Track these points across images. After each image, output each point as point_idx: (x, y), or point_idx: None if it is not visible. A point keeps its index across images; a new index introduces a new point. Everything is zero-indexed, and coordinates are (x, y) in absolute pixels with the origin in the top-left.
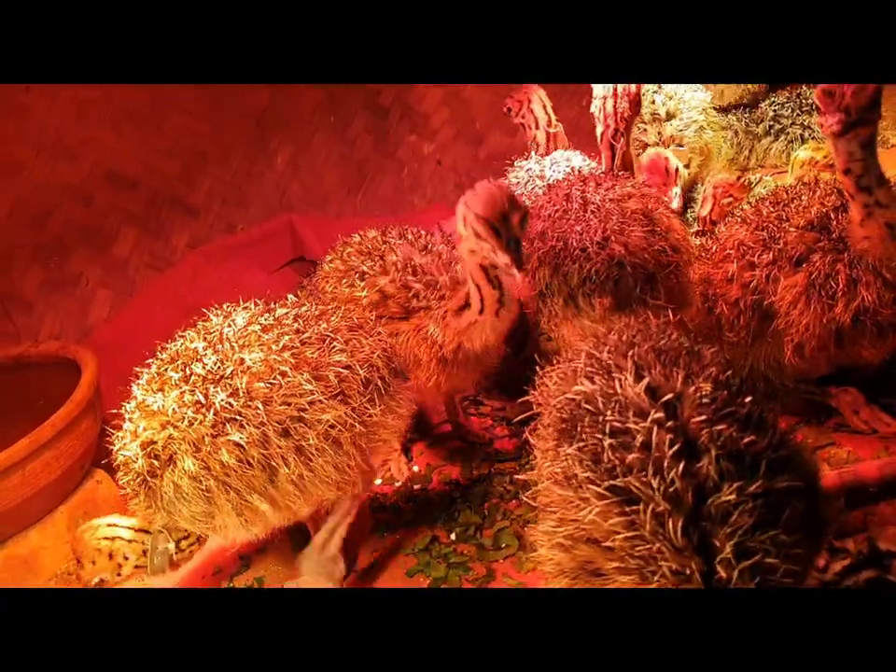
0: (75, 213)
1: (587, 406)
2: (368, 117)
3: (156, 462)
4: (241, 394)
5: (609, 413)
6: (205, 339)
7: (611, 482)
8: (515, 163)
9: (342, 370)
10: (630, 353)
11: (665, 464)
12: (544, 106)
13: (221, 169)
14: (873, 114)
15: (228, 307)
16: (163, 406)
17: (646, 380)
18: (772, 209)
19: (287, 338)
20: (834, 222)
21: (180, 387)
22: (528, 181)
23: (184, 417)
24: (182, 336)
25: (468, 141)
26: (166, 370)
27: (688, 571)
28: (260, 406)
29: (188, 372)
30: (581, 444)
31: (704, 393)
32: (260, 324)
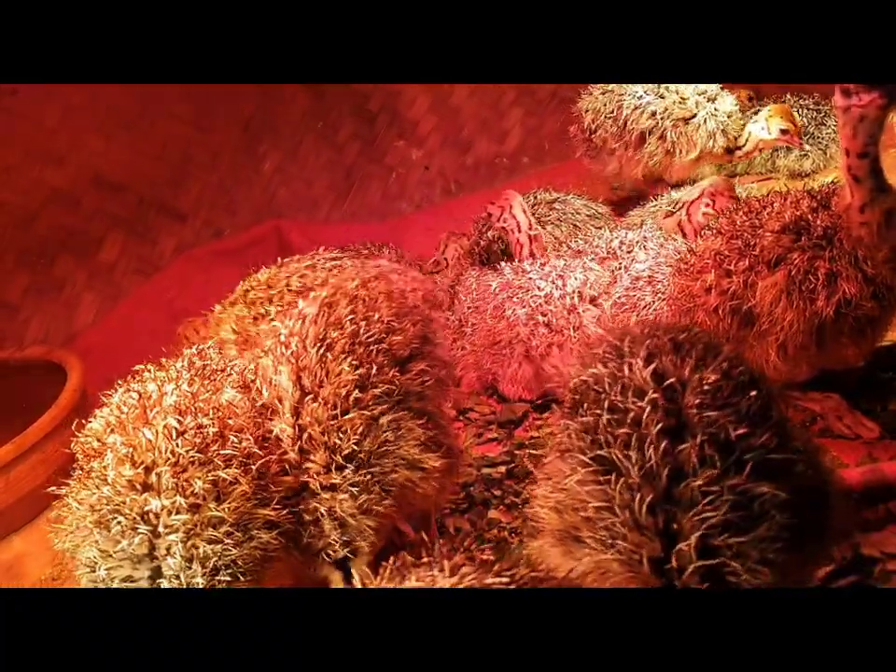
0: (61, 217)
1: (595, 387)
2: (356, 122)
3: None
4: None
5: (612, 393)
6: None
7: (597, 452)
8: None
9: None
10: (647, 342)
11: (648, 440)
12: (524, 210)
13: (209, 174)
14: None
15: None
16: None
17: (653, 365)
18: (745, 218)
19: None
20: (817, 221)
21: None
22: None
23: None
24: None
25: (455, 147)
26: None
27: (642, 555)
28: None
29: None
30: (582, 419)
31: (708, 381)
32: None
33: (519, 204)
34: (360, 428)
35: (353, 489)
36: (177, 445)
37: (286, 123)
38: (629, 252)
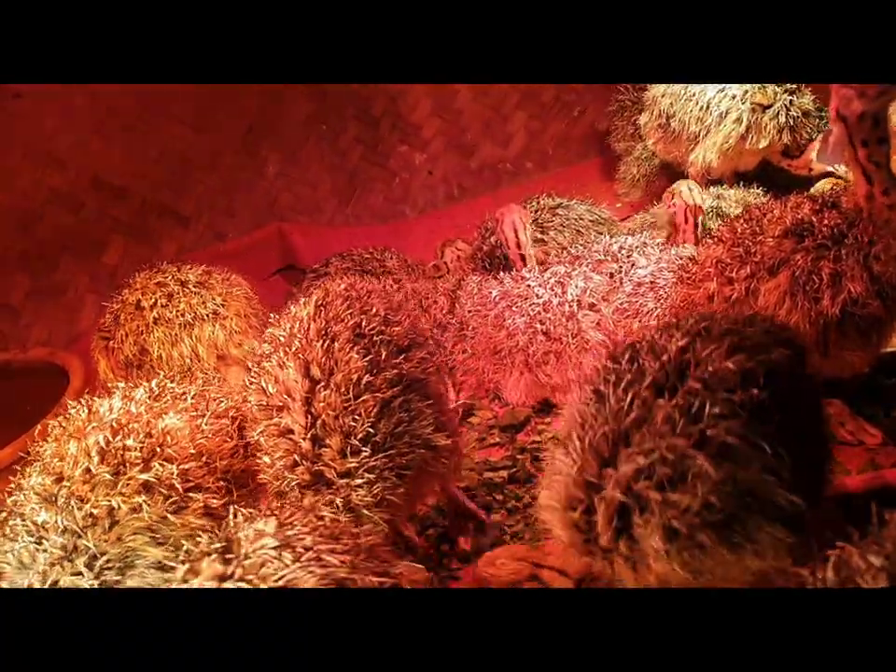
0: (63, 220)
1: (637, 345)
2: (359, 126)
3: None
4: None
5: (643, 352)
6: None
7: (599, 386)
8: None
9: None
10: (703, 324)
11: (637, 388)
12: (516, 229)
13: (211, 177)
14: None
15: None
16: None
17: (684, 341)
18: (746, 226)
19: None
20: (823, 221)
21: None
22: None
23: None
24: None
25: (459, 151)
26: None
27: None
28: None
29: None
30: (610, 365)
31: (715, 365)
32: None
33: (511, 222)
34: (374, 410)
35: (368, 475)
36: (94, 463)
37: (288, 126)
38: (629, 257)
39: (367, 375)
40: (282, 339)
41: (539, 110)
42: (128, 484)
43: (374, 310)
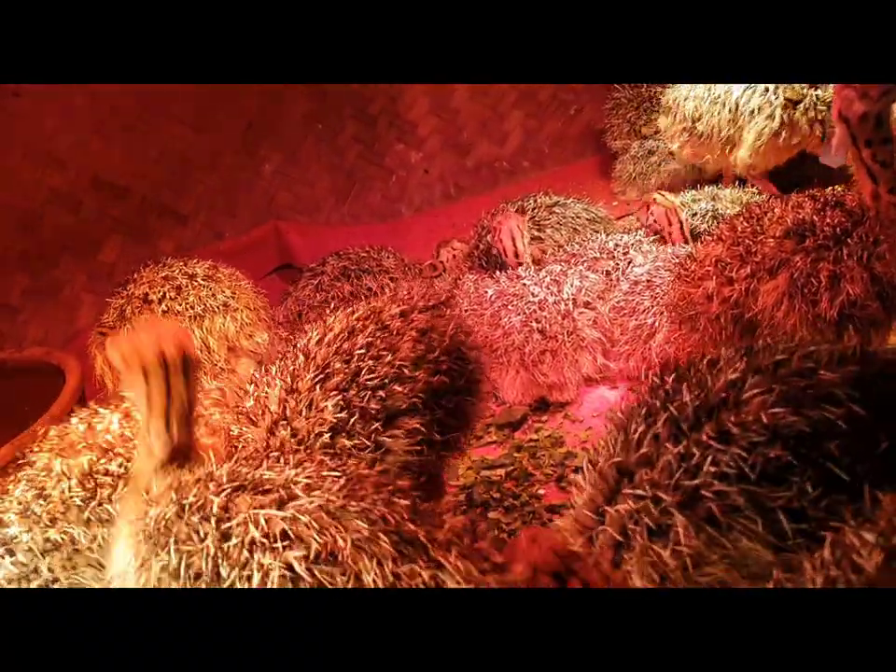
0: (62, 219)
1: (696, 367)
2: (356, 125)
3: None
4: None
5: (693, 377)
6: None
7: (632, 405)
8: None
9: None
10: (779, 357)
11: (656, 421)
12: (513, 238)
13: (209, 176)
14: None
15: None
16: None
17: (735, 375)
18: (746, 224)
19: None
20: (825, 221)
21: None
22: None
23: None
24: None
25: (455, 149)
26: None
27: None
28: None
29: None
30: (656, 384)
31: (740, 419)
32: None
33: (509, 230)
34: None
35: None
36: (70, 485)
37: (286, 125)
38: (625, 254)
39: (327, 434)
40: (301, 343)
41: (536, 109)
42: (97, 512)
43: (390, 358)
